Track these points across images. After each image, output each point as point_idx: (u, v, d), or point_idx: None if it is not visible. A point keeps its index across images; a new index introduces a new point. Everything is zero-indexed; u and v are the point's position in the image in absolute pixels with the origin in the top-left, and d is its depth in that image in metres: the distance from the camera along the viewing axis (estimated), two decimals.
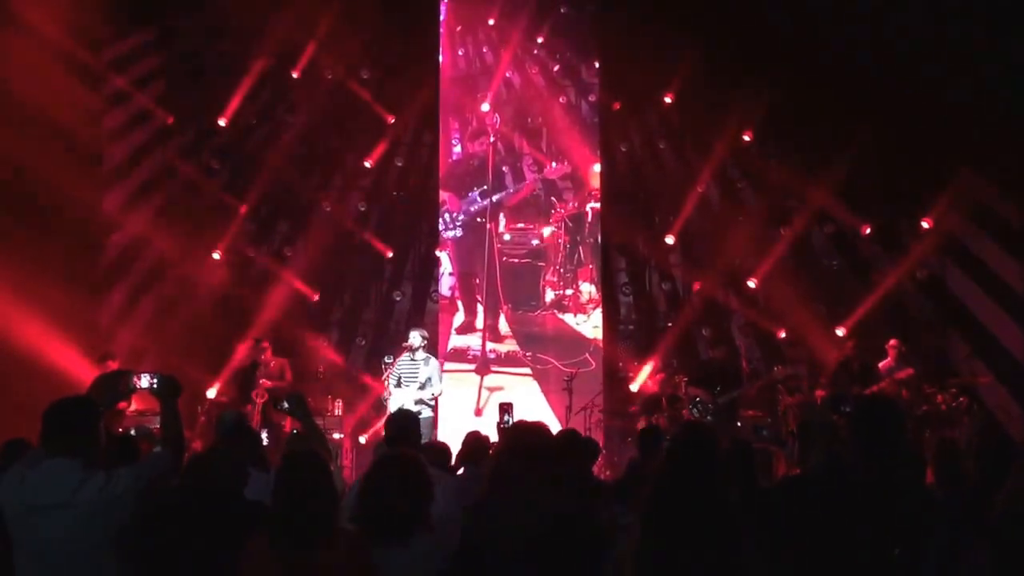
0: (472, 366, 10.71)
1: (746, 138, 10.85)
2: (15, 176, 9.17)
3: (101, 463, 3.16)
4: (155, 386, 3.44)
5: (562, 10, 11.15)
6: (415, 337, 8.72)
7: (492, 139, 11.03)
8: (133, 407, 8.90)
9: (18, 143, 9.10)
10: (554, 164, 10.96)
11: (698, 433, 3.00)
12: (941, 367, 9.69)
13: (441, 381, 8.75)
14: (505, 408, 5.15)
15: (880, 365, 9.07)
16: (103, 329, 10.63)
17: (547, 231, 10.95)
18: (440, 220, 11.10)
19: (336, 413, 10.32)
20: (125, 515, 3.10)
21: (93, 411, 3.24)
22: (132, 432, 5.08)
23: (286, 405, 4.18)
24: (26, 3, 9.20)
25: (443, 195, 11.12)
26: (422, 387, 8.54)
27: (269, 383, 9.68)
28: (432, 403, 8.67)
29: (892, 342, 9.12)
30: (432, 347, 9.86)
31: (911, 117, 9.61)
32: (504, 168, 11.09)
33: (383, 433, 4.76)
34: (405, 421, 4.68)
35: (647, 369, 10.17)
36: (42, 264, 9.27)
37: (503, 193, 11.03)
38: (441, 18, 11.26)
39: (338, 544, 2.85)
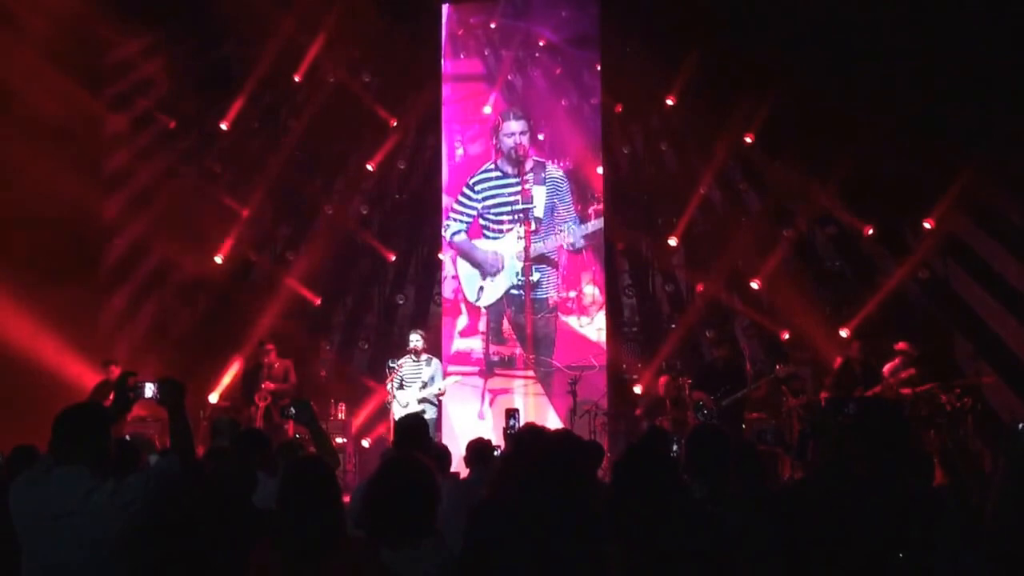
0: (475, 369, 10.70)
1: (748, 140, 10.83)
2: (16, 179, 9.19)
3: (110, 470, 3.15)
4: (159, 396, 3.41)
5: (563, 13, 11.13)
6: (417, 339, 8.85)
7: (494, 142, 11.03)
8: (132, 413, 8.90)
9: (19, 146, 9.13)
10: (556, 164, 10.95)
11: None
12: (945, 367, 9.66)
13: (444, 379, 8.84)
14: (511, 413, 5.17)
15: (885, 367, 9.05)
16: (104, 334, 10.65)
17: (550, 234, 10.92)
18: (442, 223, 11.09)
19: (339, 417, 10.33)
20: (134, 522, 3.09)
21: (103, 419, 3.23)
22: (127, 438, 5.08)
23: (293, 411, 4.17)
24: (28, 6, 9.23)
25: (445, 198, 11.11)
26: (424, 386, 8.65)
27: (273, 386, 9.70)
28: (436, 401, 8.78)
29: (901, 345, 9.08)
30: (435, 350, 9.89)
31: (913, 117, 9.60)
32: (507, 170, 11.07)
33: (390, 437, 4.78)
34: (414, 425, 4.70)
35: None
36: (43, 268, 9.30)
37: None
38: (443, 21, 11.26)
39: (345, 552, 2.83)
